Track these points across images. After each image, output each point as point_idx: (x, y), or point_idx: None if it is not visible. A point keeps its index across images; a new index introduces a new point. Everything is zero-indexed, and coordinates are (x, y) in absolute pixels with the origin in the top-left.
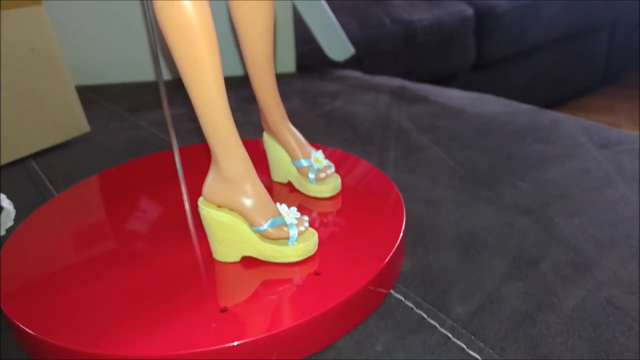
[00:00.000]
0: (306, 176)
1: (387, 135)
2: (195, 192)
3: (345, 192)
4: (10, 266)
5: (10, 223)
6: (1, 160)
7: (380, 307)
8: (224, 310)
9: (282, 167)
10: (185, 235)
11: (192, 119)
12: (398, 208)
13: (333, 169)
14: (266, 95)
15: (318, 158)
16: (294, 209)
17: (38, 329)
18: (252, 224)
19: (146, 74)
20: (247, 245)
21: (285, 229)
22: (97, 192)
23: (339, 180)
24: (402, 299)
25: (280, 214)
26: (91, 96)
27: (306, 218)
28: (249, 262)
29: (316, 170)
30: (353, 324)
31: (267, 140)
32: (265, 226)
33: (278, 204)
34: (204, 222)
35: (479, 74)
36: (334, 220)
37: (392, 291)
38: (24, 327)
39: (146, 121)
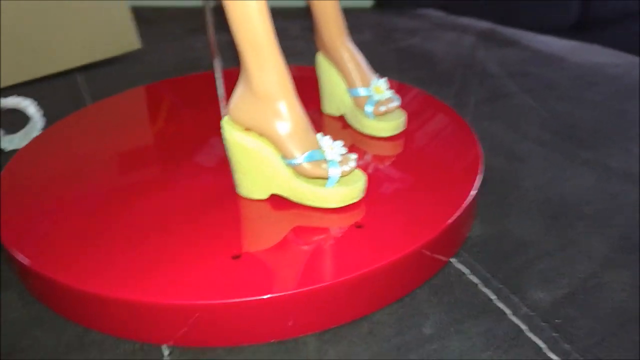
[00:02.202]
0: (363, 108)
1: (469, 77)
2: None
3: (409, 133)
4: (16, 184)
5: (36, 133)
6: (46, 70)
7: (435, 278)
8: (236, 257)
9: (335, 95)
10: (215, 163)
11: None
12: (474, 160)
13: (397, 104)
14: (324, 5)
15: (379, 87)
16: (339, 143)
17: (36, 261)
18: (284, 155)
19: None
20: (277, 180)
21: (325, 166)
22: (128, 108)
23: (404, 117)
24: (466, 271)
25: (320, 147)
26: (152, 16)
27: (354, 156)
28: (278, 202)
29: (376, 102)
30: (397, 295)
31: (321, 62)
32: (300, 159)
33: (320, 134)
34: (226, 147)
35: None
36: (390, 166)
37: (453, 260)
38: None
39: (202, 43)
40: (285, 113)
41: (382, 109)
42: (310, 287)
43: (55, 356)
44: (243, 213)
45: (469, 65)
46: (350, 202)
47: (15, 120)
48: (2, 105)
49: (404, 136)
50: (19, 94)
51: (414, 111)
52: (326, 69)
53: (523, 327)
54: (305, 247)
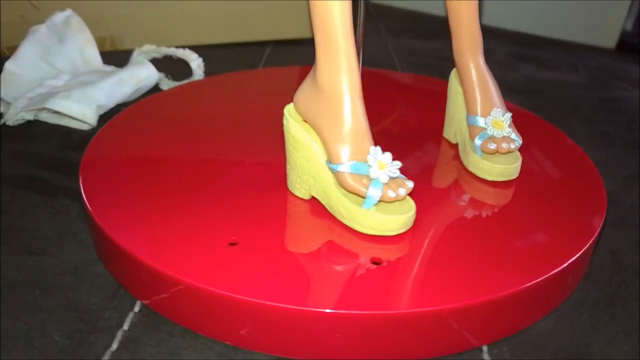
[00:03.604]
0: (473, 141)
1: None
2: None
3: (522, 188)
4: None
5: (199, 77)
6: (240, 37)
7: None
8: (233, 243)
9: (455, 119)
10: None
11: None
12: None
13: (514, 146)
14: (458, 13)
15: (499, 122)
16: (396, 164)
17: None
18: (329, 157)
19: None
20: (318, 183)
21: (367, 183)
22: (251, 84)
23: (517, 164)
24: None
25: (367, 161)
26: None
27: (410, 185)
28: (317, 207)
29: (488, 138)
30: None
31: (451, 79)
32: (342, 167)
33: (377, 148)
34: (284, 136)
35: None
36: (471, 223)
37: (484, 349)
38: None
39: (400, 46)
40: (343, 112)
41: (492, 146)
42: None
43: None
44: (275, 207)
45: None
46: (385, 233)
47: (186, 72)
48: (172, 53)
49: (513, 186)
50: (211, 53)
51: (544, 164)
52: (454, 88)
53: None
54: (311, 270)
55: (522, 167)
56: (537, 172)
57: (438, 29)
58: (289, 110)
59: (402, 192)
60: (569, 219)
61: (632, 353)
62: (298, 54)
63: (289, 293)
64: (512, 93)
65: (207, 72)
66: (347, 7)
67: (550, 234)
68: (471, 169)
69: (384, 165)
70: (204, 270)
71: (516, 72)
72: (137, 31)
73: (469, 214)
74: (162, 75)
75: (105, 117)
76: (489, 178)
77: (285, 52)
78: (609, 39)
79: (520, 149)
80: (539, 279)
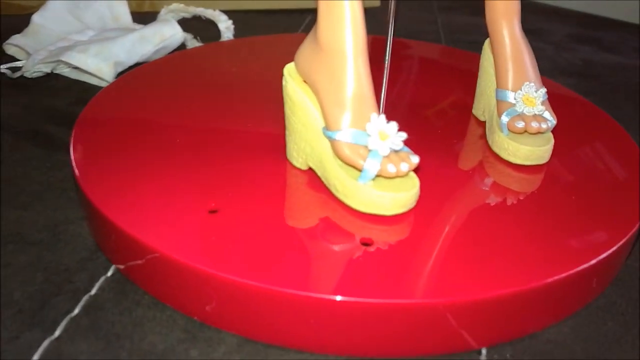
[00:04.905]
0: (500, 118)
1: None
2: None
3: (554, 172)
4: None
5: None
6: (280, 5)
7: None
8: (213, 211)
9: (484, 94)
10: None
11: None
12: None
13: (545, 126)
14: None
15: (532, 98)
16: (401, 134)
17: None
18: (326, 123)
19: None
20: (315, 152)
21: (365, 154)
22: (258, 49)
23: (549, 146)
24: None
25: (367, 129)
26: None
27: (415, 160)
28: (317, 180)
29: (516, 115)
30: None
31: (485, 50)
32: (339, 135)
33: (381, 116)
34: (283, 97)
35: None
36: (493, 209)
37: (483, 352)
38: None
39: (442, 18)
40: (343, 73)
41: (520, 125)
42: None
43: None
44: (269, 175)
45: None
46: (380, 212)
47: (216, 34)
48: (201, 13)
49: (542, 171)
50: (250, 19)
51: (582, 151)
52: (485, 59)
53: None
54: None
55: (555, 151)
56: (573, 159)
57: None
58: (288, 70)
59: (405, 167)
60: (600, 215)
61: None
62: None
63: (260, 270)
64: (564, 75)
65: (238, 37)
66: None
67: (576, 228)
68: (495, 149)
69: (386, 135)
70: (175, 238)
71: (573, 53)
72: None
73: (486, 199)
74: (188, 35)
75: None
76: (515, 161)
77: None
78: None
79: (556, 132)
80: (554, 278)
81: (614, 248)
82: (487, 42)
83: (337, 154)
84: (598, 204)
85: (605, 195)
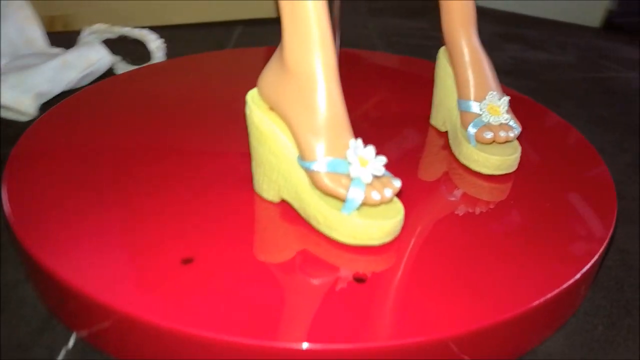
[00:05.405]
0: (466, 129)
1: None
2: None
3: (521, 179)
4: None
5: (158, 60)
6: (207, 17)
7: None
8: (187, 261)
9: (444, 104)
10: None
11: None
12: (599, 237)
13: (513, 134)
14: None
15: (496, 107)
16: (381, 159)
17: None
18: (301, 154)
19: None
20: (289, 184)
21: (346, 183)
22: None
23: (517, 155)
24: None
25: (347, 157)
26: None
27: (397, 183)
28: (291, 212)
29: (483, 126)
30: None
31: (440, 59)
32: (318, 165)
33: (357, 141)
34: (247, 127)
35: None
36: (476, 216)
37: None
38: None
39: (381, 26)
40: (316, 98)
41: (489, 135)
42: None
43: None
44: (239, 213)
45: None
46: (368, 243)
47: (145, 54)
48: (128, 34)
49: (511, 180)
50: (177, 34)
51: (543, 154)
52: (443, 69)
53: None
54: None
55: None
56: (537, 163)
57: (422, 7)
58: (252, 96)
59: (389, 193)
60: (576, 219)
61: None
62: (273, 35)
63: (250, 324)
64: (499, 74)
65: (170, 55)
66: None
67: (557, 238)
68: (464, 160)
69: (366, 161)
70: (146, 296)
71: (503, 52)
72: (93, 9)
73: (463, 214)
74: (116, 58)
75: (49, 107)
76: (485, 171)
77: (257, 34)
78: (594, 18)
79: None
80: (550, 295)
81: (597, 255)
82: (441, 51)
83: (317, 185)
84: (571, 210)
85: (574, 199)
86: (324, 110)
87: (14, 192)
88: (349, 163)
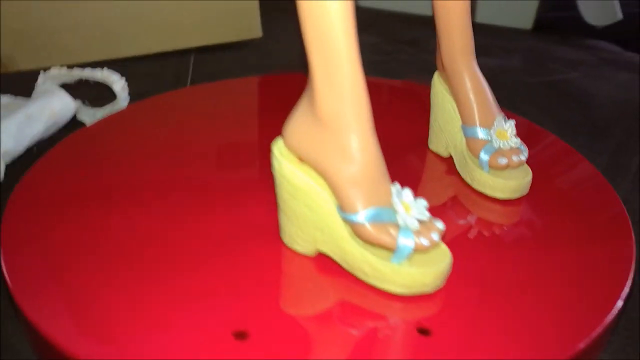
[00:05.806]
0: (477, 155)
1: (635, 132)
2: None
3: (533, 198)
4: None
5: (121, 106)
6: (161, 47)
7: None
8: (240, 335)
9: (446, 130)
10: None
11: (381, 51)
12: (624, 254)
13: (524, 157)
14: (449, 12)
15: (504, 132)
16: (422, 202)
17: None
18: (341, 206)
19: None
20: (328, 236)
21: (394, 232)
22: (192, 104)
23: (529, 178)
24: None
25: (392, 205)
26: (282, 6)
27: (440, 226)
28: (327, 263)
29: (495, 151)
30: None
31: (436, 84)
32: (362, 216)
33: (396, 186)
34: (275, 180)
35: None
36: (498, 242)
37: None
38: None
39: None
40: (354, 151)
41: (503, 161)
42: None
43: None
44: (273, 268)
45: (638, 117)
46: (422, 290)
47: (107, 95)
48: (89, 76)
49: (524, 202)
50: (131, 67)
51: (546, 169)
52: (440, 95)
53: None
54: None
55: None
56: (542, 183)
57: (369, 17)
58: (279, 148)
59: (436, 237)
60: (598, 241)
61: None
62: (226, 61)
63: None
64: None
65: (131, 91)
66: (349, 10)
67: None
68: (477, 186)
69: (409, 206)
70: None
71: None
72: (32, 47)
73: (492, 243)
74: (78, 102)
75: (16, 165)
76: (500, 196)
77: (211, 60)
78: (527, 20)
79: None
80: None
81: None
82: (435, 76)
83: (362, 236)
84: (589, 231)
85: (588, 218)
86: (363, 161)
87: (11, 255)
88: (395, 211)
